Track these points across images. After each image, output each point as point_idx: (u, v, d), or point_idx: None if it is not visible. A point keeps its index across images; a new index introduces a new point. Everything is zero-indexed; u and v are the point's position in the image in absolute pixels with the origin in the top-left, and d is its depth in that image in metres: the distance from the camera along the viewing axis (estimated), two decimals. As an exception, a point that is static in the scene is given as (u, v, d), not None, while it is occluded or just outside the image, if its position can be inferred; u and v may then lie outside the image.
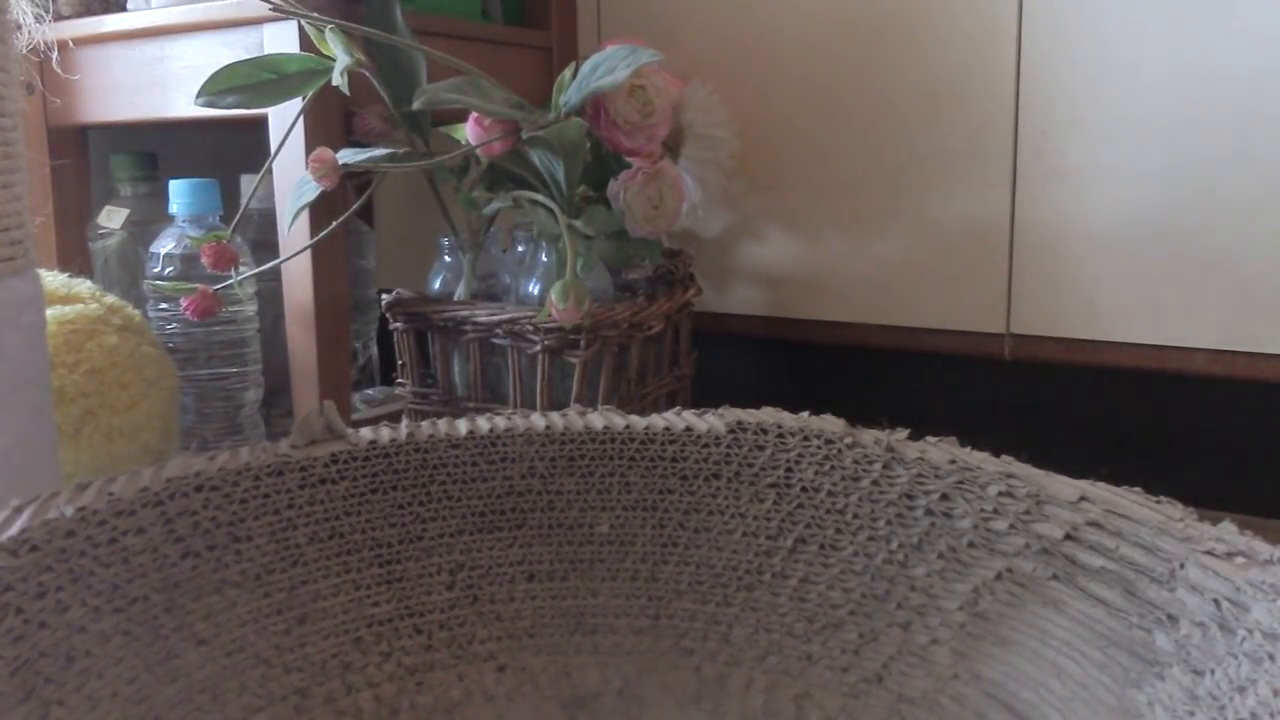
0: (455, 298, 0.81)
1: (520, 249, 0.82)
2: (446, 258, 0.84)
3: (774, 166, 0.98)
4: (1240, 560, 0.40)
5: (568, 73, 0.75)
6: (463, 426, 0.52)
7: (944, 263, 0.92)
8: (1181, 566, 0.41)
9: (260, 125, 0.78)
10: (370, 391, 1.06)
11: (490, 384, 0.79)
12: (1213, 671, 0.39)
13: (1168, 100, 0.81)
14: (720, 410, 0.56)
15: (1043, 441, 0.88)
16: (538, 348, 0.74)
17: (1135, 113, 0.83)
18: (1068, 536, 0.45)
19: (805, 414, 0.56)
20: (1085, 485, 0.46)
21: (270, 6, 0.72)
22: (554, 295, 0.70)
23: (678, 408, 0.58)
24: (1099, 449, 0.89)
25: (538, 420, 0.54)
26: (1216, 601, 0.39)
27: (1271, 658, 0.37)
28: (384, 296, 0.82)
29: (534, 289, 0.79)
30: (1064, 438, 0.90)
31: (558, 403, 0.75)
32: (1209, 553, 0.40)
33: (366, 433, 0.51)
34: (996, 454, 0.51)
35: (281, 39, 0.76)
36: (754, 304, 1.02)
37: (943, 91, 0.90)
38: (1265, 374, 0.81)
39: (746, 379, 1.05)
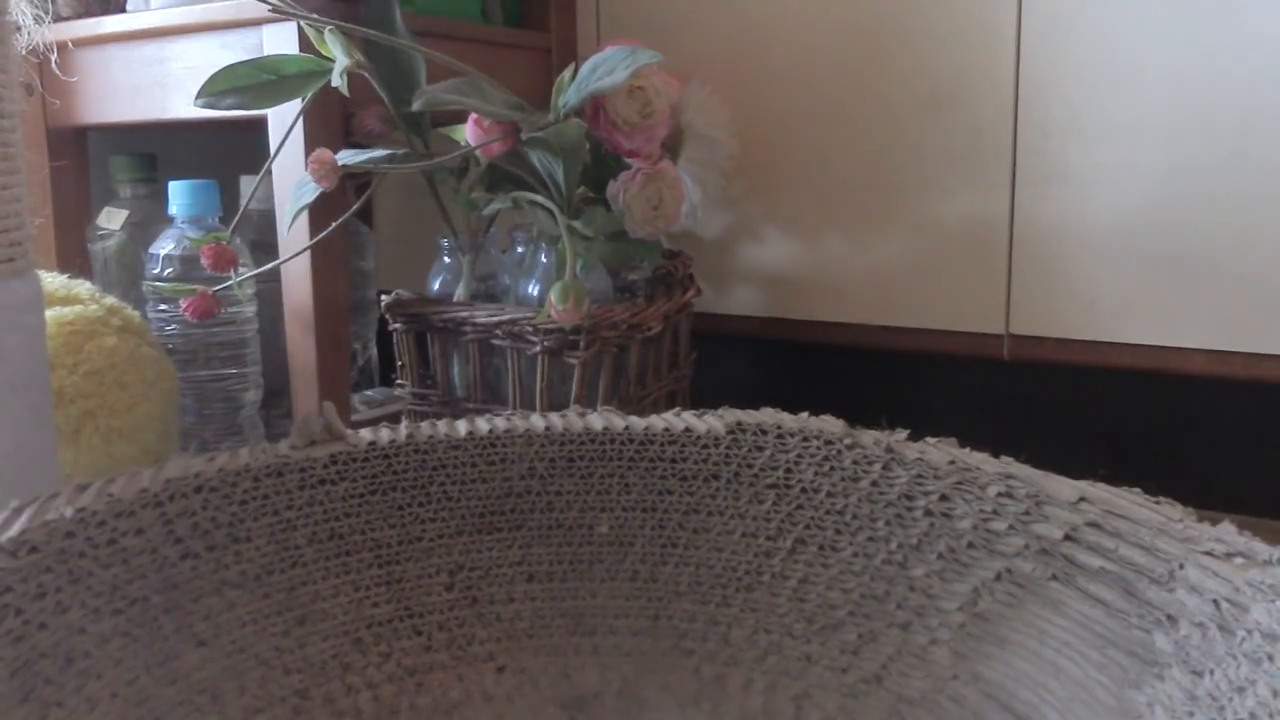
0: (455, 299, 0.81)
1: (519, 250, 0.82)
2: (446, 259, 0.84)
3: (774, 167, 0.98)
4: (1239, 561, 0.40)
5: (567, 74, 0.75)
6: (462, 427, 0.52)
7: (943, 263, 0.92)
8: (1181, 567, 0.41)
9: (259, 126, 0.79)
10: (370, 392, 1.06)
11: (490, 385, 0.79)
12: (1212, 672, 0.39)
13: (1167, 100, 0.81)
14: (720, 411, 0.56)
15: (1042, 442, 0.88)
16: (537, 349, 0.74)
17: (1134, 113, 0.83)
18: (1067, 537, 0.45)
19: (804, 415, 0.56)
20: (1084, 486, 0.46)
21: (269, 8, 0.72)
22: (553, 296, 0.70)
23: (677, 408, 0.58)
24: (1098, 449, 0.89)
25: (537, 421, 0.54)
26: (1216, 602, 0.39)
27: (1270, 658, 0.37)
28: (383, 297, 0.82)
29: (533, 290, 0.79)
30: (1063, 438, 0.90)
31: (557, 404, 0.75)
32: (1208, 553, 0.40)
33: (366, 434, 0.51)
34: (996, 454, 0.51)
35: (281, 40, 0.76)
36: (753, 305, 1.02)
37: (942, 92, 0.90)
38: (1265, 374, 0.81)
39: (746, 380, 1.05)
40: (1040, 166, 0.87)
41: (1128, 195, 0.84)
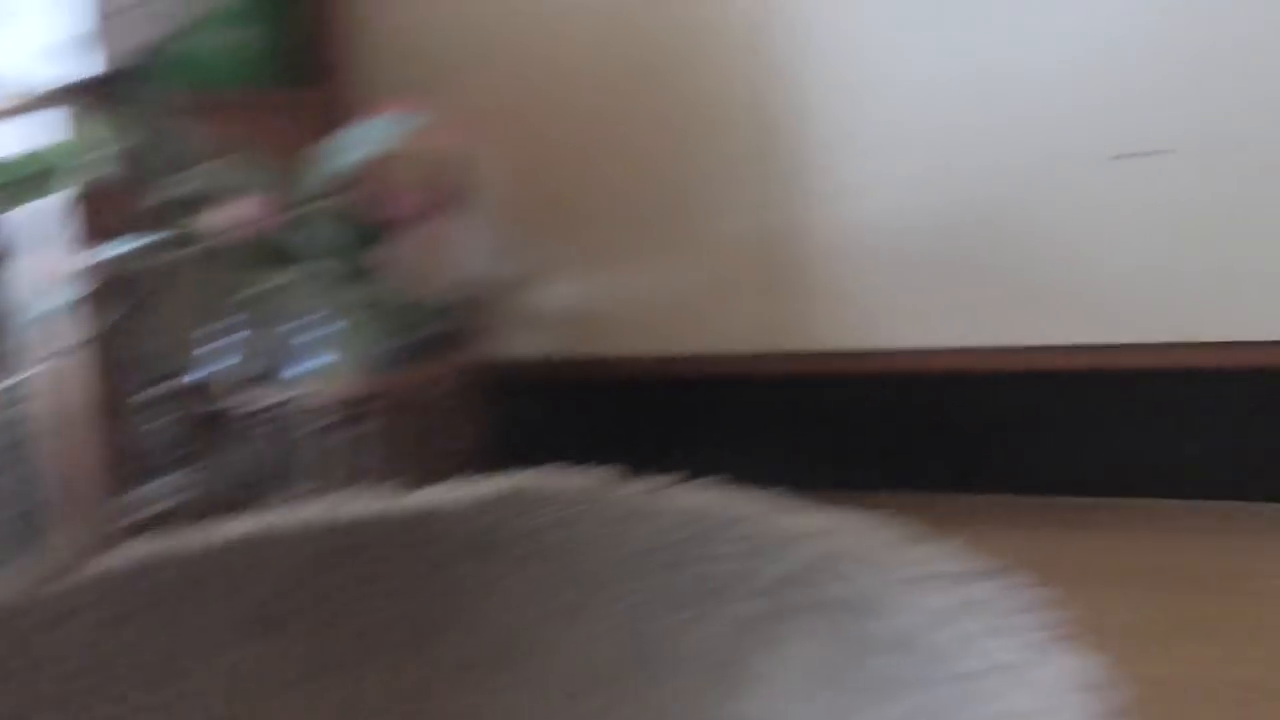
0: (237, 379, 0.80)
1: (299, 323, 0.81)
2: (226, 339, 0.82)
3: (567, 206, 1.00)
4: (954, 582, 0.43)
5: (338, 141, 0.75)
6: (224, 532, 0.52)
7: (732, 286, 0.95)
8: (902, 593, 0.44)
9: (21, 221, 0.76)
10: (149, 487, 1.01)
11: (276, 466, 0.77)
12: (934, 692, 0.41)
13: (928, 113, 0.86)
14: (497, 476, 0.57)
15: (837, 453, 0.92)
16: (322, 423, 0.73)
17: (901, 126, 0.87)
18: (803, 574, 0.47)
19: (585, 465, 0.57)
20: (822, 520, 0.48)
21: (31, 99, 0.70)
22: (337, 369, 0.70)
23: (457, 477, 0.59)
24: (897, 456, 0.92)
25: (304, 516, 0.53)
26: (933, 624, 0.42)
27: (987, 676, 0.40)
28: (163, 384, 0.80)
29: (316, 364, 0.78)
30: (858, 448, 0.93)
31: (348, 478, 0.74)
32: (925, 578, 0.43)
33: (123, 552, 0.50)
34: (796, 475, 0.53)
35: (43, 133, 0.73)
36: (548, 347, 1.01)
37: (727, 119, 0.93)
38: (1040, 365, 0.86)
39: (544, 425, 1.04)
40: (818, 182, 0.90)
41: (899, 205, 0.88)
